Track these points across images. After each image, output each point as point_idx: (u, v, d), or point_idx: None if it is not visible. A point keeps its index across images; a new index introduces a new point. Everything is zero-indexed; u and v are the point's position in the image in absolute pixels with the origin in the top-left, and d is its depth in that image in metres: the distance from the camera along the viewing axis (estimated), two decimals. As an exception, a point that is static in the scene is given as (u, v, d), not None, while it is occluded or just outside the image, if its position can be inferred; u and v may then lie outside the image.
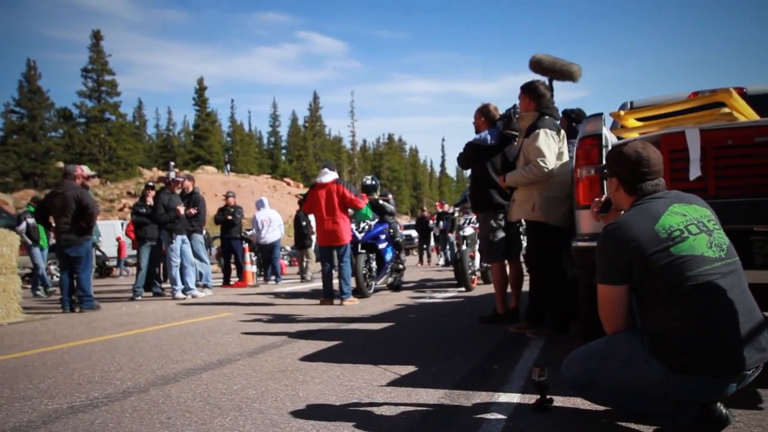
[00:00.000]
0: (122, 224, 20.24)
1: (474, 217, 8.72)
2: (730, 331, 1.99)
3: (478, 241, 7.20)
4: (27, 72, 49.91)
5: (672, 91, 8.72)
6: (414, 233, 24.54)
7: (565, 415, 2.46)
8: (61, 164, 42.35)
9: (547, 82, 4.74)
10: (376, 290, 8.94)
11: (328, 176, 7.67)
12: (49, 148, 49.80)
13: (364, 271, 8.21)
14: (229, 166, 57.71)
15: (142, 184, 12.09)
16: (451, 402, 2.73)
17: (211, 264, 12.26)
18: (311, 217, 12.15)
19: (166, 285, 10.31)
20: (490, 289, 5.85)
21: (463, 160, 5.34)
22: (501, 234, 5.09)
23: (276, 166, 76.40)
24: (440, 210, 19.03)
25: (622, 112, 3.59)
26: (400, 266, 9.60)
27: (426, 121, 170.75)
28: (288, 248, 24.06)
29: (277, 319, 6.13)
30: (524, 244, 5.66)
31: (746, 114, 3.18)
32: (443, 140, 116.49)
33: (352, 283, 7.87)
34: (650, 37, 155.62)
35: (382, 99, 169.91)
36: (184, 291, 9.35)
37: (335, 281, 7.86)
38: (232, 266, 12.49)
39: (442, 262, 18.68)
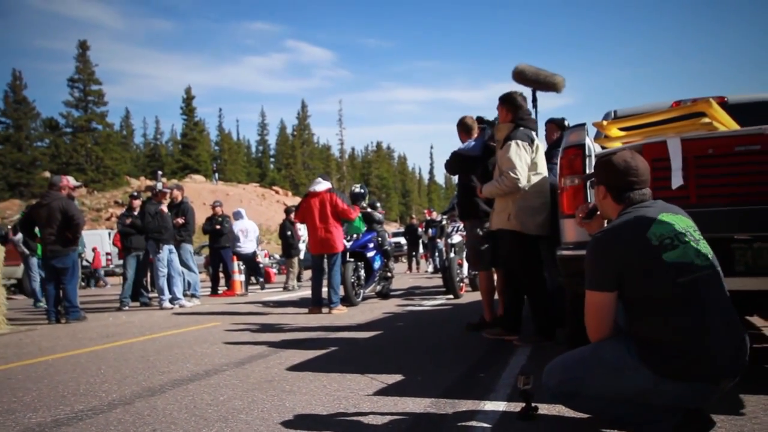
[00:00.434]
0: (109, 234, 20.11)
1: (462, 225, 8.76)
2: (719, 337, 2.02)
3: (466, 249, 7.23)
4: (12, 82, 49.61)
5: (657, 99, 8.82)
6: (403, 240, 24.55)
7: (550, 423, 2.48)
8: (47, 174, 42.06)
9: (530, 93, 4.79)
10: (365, 298, 8.94)
11: (322, 185, 7.70)
12: (35, 158, 49.43)
13: (352, 280, 8.23)
14: (217, 174, 57.44)
15: (129, 193, 12.02)
16: (437, 411, 2.74)
17: (200, 273, 12.21)
18: (301, 226, 12.17)
19: (154, 295, 10.24)
20: (478, 296, 5.87)
21: (449, 168, 5.39)
22: (487, 242, 5.12)
23: (264, 174, 76.23)
24: (429, 217, 19.10)
25: (604, 122, 3.63)
26: (389, 274, 9.63)
27: (414, 129, 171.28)
28: (277, 257, 24.03)
29: (264, 329, 6.11)
30: None
31: (726, 124, 3.23)
32: (431, 147, 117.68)
33: (341, 291, 7.87)
34: (635, 46, 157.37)
35: (370, 107, 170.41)
36: (171, 301, 9.31)
37: (324, 290, 7.87)
38: (221, 275, 12.44)
39: (431, 269, 18.68)
